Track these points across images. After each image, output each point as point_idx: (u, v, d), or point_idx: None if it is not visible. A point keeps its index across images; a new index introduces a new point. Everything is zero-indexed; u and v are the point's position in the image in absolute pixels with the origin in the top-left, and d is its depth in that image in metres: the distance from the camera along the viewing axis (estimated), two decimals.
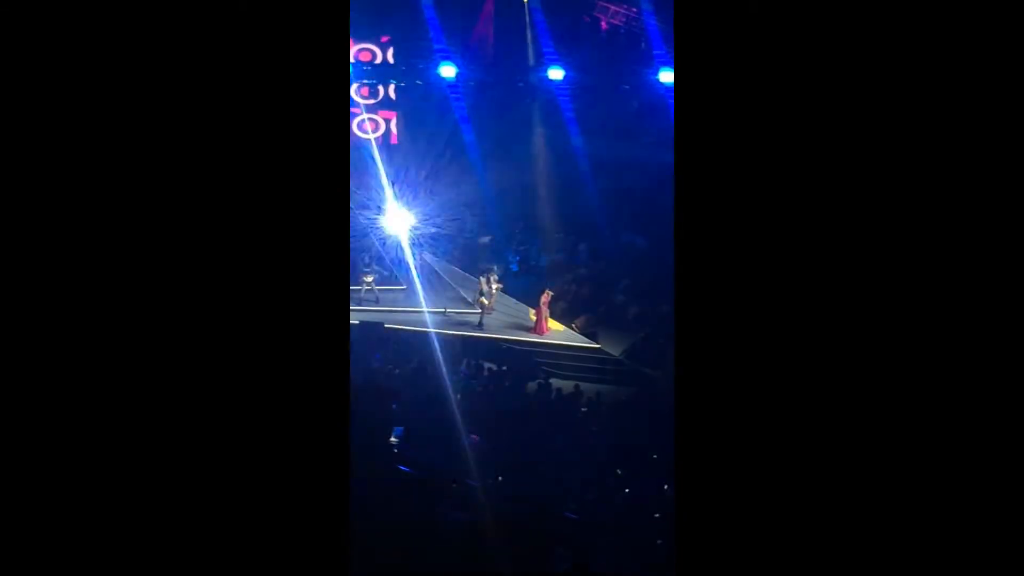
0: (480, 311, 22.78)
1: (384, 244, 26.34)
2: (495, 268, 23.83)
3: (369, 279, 23.36)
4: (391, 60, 30.69)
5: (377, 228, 28.01)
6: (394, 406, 16.43)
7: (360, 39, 30.13)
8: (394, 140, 31.46)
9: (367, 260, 23.60)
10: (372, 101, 30.91)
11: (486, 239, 28.56)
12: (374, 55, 30.44)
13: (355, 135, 29.72)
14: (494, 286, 23.14)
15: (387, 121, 31.13)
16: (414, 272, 24.96)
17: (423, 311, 23.32)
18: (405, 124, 31.63)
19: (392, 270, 25.11)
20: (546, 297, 22.33)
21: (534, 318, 22.49)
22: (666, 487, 13.71)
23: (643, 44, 26.49)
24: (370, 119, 30.59)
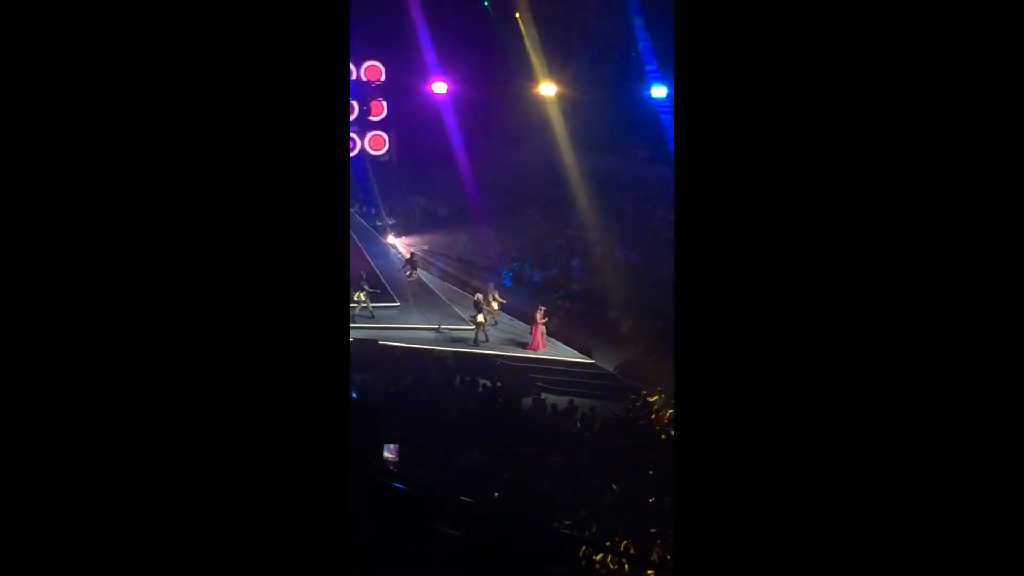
0: (476, 327, 22.73)
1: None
2: (492, 285, 23.83)
3: (362, 296, 23.32)
4: (365, 77, 30.72)
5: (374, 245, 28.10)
6: (388, 423, 16.39)
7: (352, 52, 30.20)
8: (380, 146, 31.46)
9: (363, 275, 23.61)
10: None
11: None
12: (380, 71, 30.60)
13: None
14: (494, 303, 23.09)
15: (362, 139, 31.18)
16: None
17: (417, 328, 23.31)
18: (396, 141, 31.72)
19: (387, 287, 25.11)
20: (540, 314, 22.31)
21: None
22: (652, 500, 13.70)
23: (635, 60, 26.60)
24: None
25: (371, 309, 23.42)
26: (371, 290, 23.76)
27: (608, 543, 11.50)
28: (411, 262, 26.18)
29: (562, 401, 19.11)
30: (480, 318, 22.71)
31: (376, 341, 21.76)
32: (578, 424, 17.99)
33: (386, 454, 14.56)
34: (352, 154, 30.73)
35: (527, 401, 19.67)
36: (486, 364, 21.74)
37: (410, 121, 31.22)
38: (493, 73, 29.39)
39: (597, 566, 7.99)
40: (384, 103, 31.09)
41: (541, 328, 22.22)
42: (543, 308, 22.57)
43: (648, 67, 26.55)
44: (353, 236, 27.93)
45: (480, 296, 23.05)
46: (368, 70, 30.37)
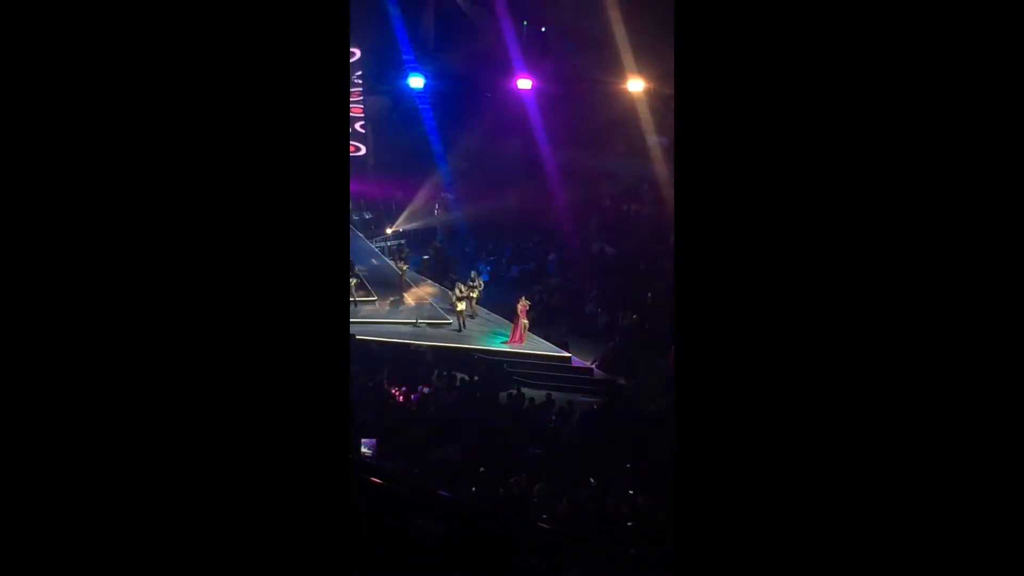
0: (457, 315, 22.72)
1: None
2: (475, 273, 23.90)
3: (354, 282, 23.37)
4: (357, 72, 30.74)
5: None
6: (364, 418, 16.36)
7: None
8: (351, 150, 31.51)
9: (352, 264, 23.67)
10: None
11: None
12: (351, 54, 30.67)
13: None
14: (475, 292, 23.12)
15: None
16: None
17: (394, 322, 23.25)
18: (373, 136, 31.66)
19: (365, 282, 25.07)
20: (523, 306, 22.23)
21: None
22: (631, 493, 13.71)
23: (610, 54, 26.60)
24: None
25: (356, 301, 23.41)
26: (361, 275, 23.79)
27: (585, 536, 11.52)
28: (399, 254, 26.32)
29: (539, 395, 19.11)
30: (460, 306, 22.70)
31: (353, 335, 21.68)
32: (555, 418, 18.01)
33: (363, 449, 14.53)
34: None
35: (504, 395, 19.66)
36: (464, 358, 21.71)
37: (387, 116, 31.16)
38: (470, 67, 29.33)
39: (576, 559, 8.01)
40: (361, 97, 31.06)
41: (524, 321, 22.19)
42: (527, 300, 22.50)
43: (624, 61, 26.55)
44: None
45: (461, 284, 23.06)
46: None
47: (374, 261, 27.33)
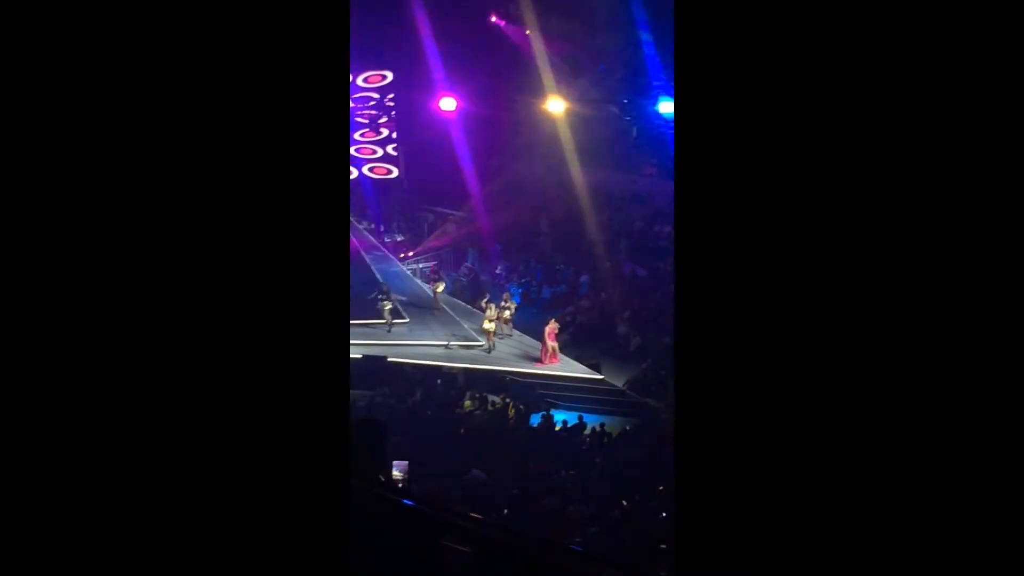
0: (485, 334, 22.73)
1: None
2: (507, 295, 23.98)
3: (388, 306, 23.45)
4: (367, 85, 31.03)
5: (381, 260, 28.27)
6: (396, 440, 16.38)
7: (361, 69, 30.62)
8: (383, 172, 31.76)
9: (385, 288, 23.75)
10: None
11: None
12: (383, 76, 31.03)
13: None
14: (507, 311, 23.18)
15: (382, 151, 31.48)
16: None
17: (426, 344, 23.30)
18: (405, 158, 31.84)
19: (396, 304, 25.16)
20: (551, 328, 22.24)
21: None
22: (664, 516, 13.64)
23: (642, 75, 26.63)
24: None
25: (391, 323, 23.50)
26: (393, 297, 23.89)
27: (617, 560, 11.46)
28: (436, 273, 26.50)
29: (571, 417, 19.08)
30: (489, 326, 22.73)
31: (385, 358, 21.75)
32: (587, 440, 17.96)
33: (394, 471, 14.53)
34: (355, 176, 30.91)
35: (537, 417, 19.64)
36: (495, 380, 21.72)
37: (418, 138, 31.32)
38: (501, 89, 29.41)
39: None
40: (392, 122, 31.33)
41: (552, 344, 22.17)
42: (556, 322, 22.51)
43: (655, 82, 26.56)
44: (364, 255, 28.06)
45: (493, 306, 23.12)
46: (370, 79, 30.75)
47: (405, 283, 27.43)
